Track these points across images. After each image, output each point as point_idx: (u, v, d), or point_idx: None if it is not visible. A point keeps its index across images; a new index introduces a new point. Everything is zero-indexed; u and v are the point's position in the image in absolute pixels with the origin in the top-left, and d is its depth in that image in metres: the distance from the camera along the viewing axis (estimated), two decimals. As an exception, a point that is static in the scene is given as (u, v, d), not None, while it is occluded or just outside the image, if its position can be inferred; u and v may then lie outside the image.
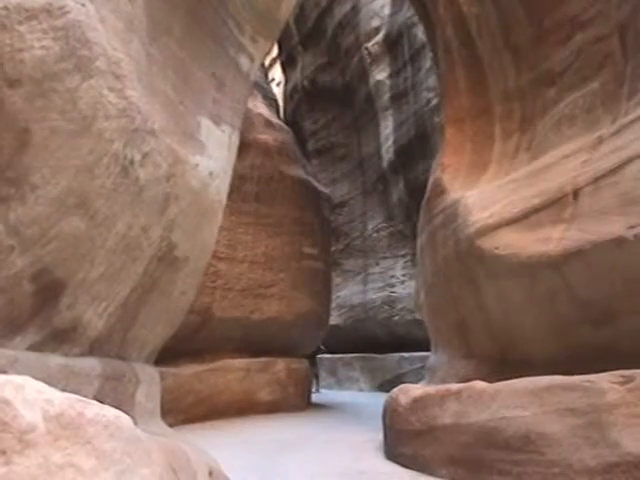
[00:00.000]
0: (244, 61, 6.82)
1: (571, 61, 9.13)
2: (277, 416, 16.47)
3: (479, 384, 7.80)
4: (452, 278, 9.83)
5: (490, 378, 7.91)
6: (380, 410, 17.57)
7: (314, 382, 23.62)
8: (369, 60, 26.56)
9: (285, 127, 20.62)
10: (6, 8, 3.55)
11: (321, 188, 21.03)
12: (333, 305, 23.09)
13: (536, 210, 7.95)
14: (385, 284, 26.04)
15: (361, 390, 25.52)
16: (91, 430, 3.41)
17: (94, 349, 5.51)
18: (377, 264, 26.92)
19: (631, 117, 7.31)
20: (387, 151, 25.70)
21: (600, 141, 7.70)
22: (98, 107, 4.20)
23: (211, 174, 6.05)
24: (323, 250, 20.42)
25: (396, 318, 24.86)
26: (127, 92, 4.41)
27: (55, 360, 4.88)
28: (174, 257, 5.99)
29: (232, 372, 16.82)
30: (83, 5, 3.92)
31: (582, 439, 6.11)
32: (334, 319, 25.08)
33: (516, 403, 6.94)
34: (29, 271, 4.34)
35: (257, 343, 17.64)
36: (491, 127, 10.82)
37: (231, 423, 14.77)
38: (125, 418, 3.78)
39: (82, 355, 5.36)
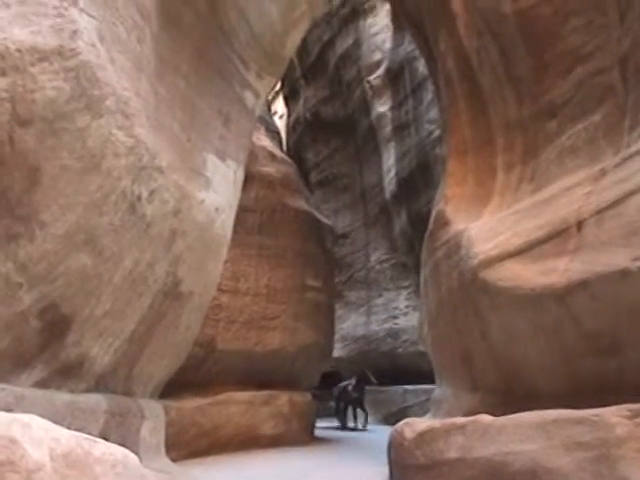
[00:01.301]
0: (249, 97, 6.89)
1: (572, 94, 9.16)
2: (280, 450, 16.26)
3: (485, 418, 7.71)
4: (456, 310, 9.78)
5: (495, 411, 7.81)
6: (385, 444, 17.50)
7: (358, 417, 23.01)
8: (371, 93, 26.70)
9: (288, 159, 20.65)
10: (19, 50, 3.61)
11: (324, 220, 21.00)
12: (336, 337, 22.90)
13: (540, 242, 7.92)
14: (388, 316, 25.91)
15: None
16: (98, 469, 3.40)
17: (100, 384, 5.50)
18: (380, 296, 26.81)
19: (633, 149, 7.31)
20: (389, 182, 25.74)
21: (603, 173, 7.69)
22: (107, 145, 4.25)
23: (217, 209, 6.09)
24: (326, 282, 20.33)
25: (400, 350, 24.69)
26: (135, 130, 4.45)
27: (61, 397, 4.88)
28: (179, 292, 6.00)
29: (235, 405, 16.67)
30: (93, 46, 3.98)
31: (590, 473, 6.00)
32: (337, 351, 24.86)
33: (523, 437, 6.84)
34: (36, 308, 4.35)
35: (260, 375, 17.50)
36: (493, 159, 10.83)
37: (234, 457, 14.60)
38: (132, 457, 3.77)
39: (88, 391, 5.36)
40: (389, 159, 26.06)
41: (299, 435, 18.09)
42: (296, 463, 13.74)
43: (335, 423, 23.65)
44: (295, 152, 30.64)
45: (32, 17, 3.71)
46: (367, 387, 22.92)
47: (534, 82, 10.02)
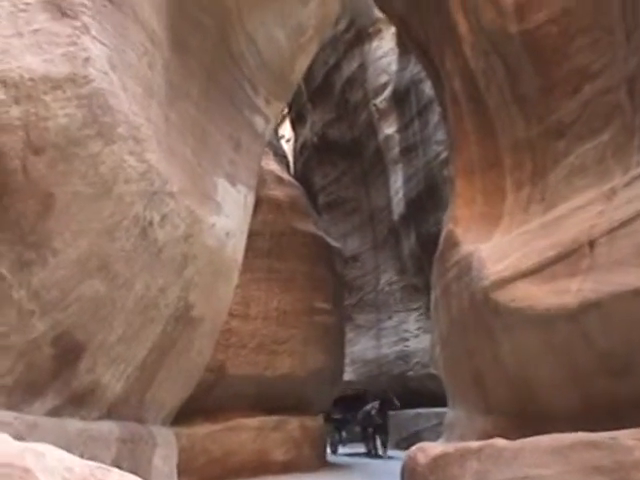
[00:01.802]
0: (259, 122, 6.93)
1: (580, 113, 9.15)
2: (292, 476, 16.16)
3: (500, 442, 7.61)
4: (467, 331, 9.74)
5: (509, 433, 7.74)
6: (397, 469, 17.32)
7: (376, 443, 22.15)
8: (377, 115, 26.88)
9: (296, 183, 20.72)
10: (32, 79, 3.63)
11: (333, 242, 21.01)
12: (346, 360, 22.79)
13: (551, 262, 7.89)
14: (399, 338, 25.86)
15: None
16: (113, 498, 3.36)
17: (112, 412, 5.48)
18: (390, 318, 26.78)
19: None
20: (397, 204, 25.83)
21: (613, 192, 7.67)
22: (119, 171, 4.26)
23: (227, 234, 6.09)
24: (336, 305, 20.30)
25: (411, 373, 24.61)
26: (147, 156, 4.47)
27: (73, 425, 4.85)
28: (191, 317, 5.99)
29: (245, 431, 16.59)
30: (106, 73, 4.00)
31: None
32: (347, 375, 24.70)
33: (539, 462, 6.74)
34: (49, 335, 4.34)
35: (271, 400, 17.42)
36: (502, 179, 10.82)
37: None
38: (147, 485, 3.74)
39: (100, 418, 5.33)
40: (397, 181, 26.14)
41: (311, 460, 17.98)
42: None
43: (361, 449, 22.96)
44: (302, 175, 30.73)
45: (45, 45, 3.74)
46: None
47: (541, 101, 10.03)
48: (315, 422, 19.09)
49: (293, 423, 17.93)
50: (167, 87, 5.06)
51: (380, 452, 21.56)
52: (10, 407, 4.21)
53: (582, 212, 7.99)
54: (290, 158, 30.26)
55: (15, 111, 3.61)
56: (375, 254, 28.66)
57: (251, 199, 6.89)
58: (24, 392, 4.37)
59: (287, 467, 17.03)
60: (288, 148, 34.50)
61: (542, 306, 7.51)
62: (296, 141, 35.07)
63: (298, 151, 34.08)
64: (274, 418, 17.47)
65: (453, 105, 12.34)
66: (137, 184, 4.43)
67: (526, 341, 7.99)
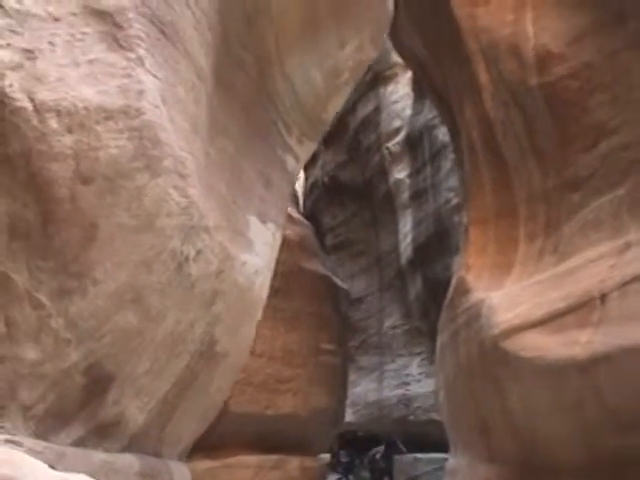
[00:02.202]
0: (290, 161, 6.99)
1: (596, 167, 9.23)
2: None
3: None
4: (474, 378, 9.73)
5: None
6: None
7: None
8: (389, 159, 27.06)
9: (305, 222, 20.79)
10: (86, 109, 3.67)
11: (340, 283, 21.03)
12: (347, 402, 22.67)
13: (562, 313, 7.93)
14: (401, 382, 25.77)
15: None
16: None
17: (133, 445, 5.44)
18: (393, 361, 26.72)
19: None
20: (405, 248, 25.90)
21: (627, 247, 7.72)
22: (162, 205, 4.28)
23: (257, 272, 6.11)
24: (340, 346, 20.26)
25: (411, 417, 24.48)
26: (189, 191, 4.49)
27: (97, 456, 4.82)
28: (214, 352, 5.98)
29: (244, 469, 16.45)
30: (157, 107, 4.04)
31: None
32: (348, 416, 24.48)
33: None
34: (82, 365, 4.33)
35: (271, 438, 17.30)
36: (515, 229, 10.88)
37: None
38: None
39: (121, 451, 5.30)
40: (406, 225, 26.22)
41: (308, 502, 17.78)
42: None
43: None
44: (311, 215, 30.83)
45: (100, 76, 3.79)
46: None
47: (558, 154, 10.11)
48: (315, 462, 18.94)
49: (293, 463, 17.80)
50: (209, 123, 5.11)
51: None
52: (38, 436, 4.18)
53: (595, 265, 8.03)
54: (300, 196, 30.38)
55: (67, 140, 3.64)
56: (380, 297, 28.67)
57: (279, 237, 6.94)
58: (53, 421, 4.35)
59: (285, 507, 16.88)
60: (298, 186, 34.69)
61: (551, 356, 7.53)
62: (306, 180, 35.24)
63: (308, 190, 34.24)
64: (273, 457, 17.34)
65: (470, 154, 12.43)
66: (178, 218, 4.46)
67: (535, 392, 7.99)
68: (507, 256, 10.77)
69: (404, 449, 22.12)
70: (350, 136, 30.01)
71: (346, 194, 30.58)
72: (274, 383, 17.35)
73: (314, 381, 18.55)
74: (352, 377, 25.80)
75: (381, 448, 21.84)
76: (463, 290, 11.08)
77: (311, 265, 18.97)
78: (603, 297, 7.39)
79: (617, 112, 9.06)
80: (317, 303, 18.95)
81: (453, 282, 12.18)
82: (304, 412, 18.05)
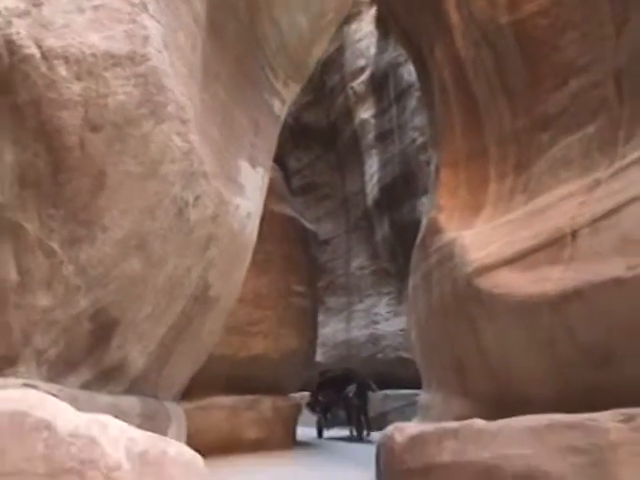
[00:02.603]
0: (277, 104, 6.99)
1: (566, 106, 9.22)
2: (263, 455, 16.26)
3: (478, 422, 7.72)
4: (448, 317, 9.81)
5: (487, 417, 7.81)
6: (365, 448, 17.48)
7: (360, 425, 21.37)
8: (354, 99, 26.81)
9: (274, 165, 20.71)
10: (94, 55, 3.66)
11: (308, 226, 21.11)
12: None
13: (533, 250, 7.96)
14: (369, 321, 26.02)
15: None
16: (172, 469, 3.47)
17: (133, 387, 5.54)
18: (361, 301, 26.92)
19: (628, 160, 7.36)
20: (372, 189, 25.86)
21: (597, 184, 7.77)
22: (166, 151, 4.31)
23: (248, 215, 6.16)
24: (310, 288, 20.43)
25: (380, 356, 24.80)
26: (190, 136, 4.52)
27: (103, 398, 4.92)
28: (208, 297, 6.05)
29: (219, 410, 16.67)
30: (160, 52, 4.04)
31: (586, 478, 6.00)
32: (317, 357, 24.69)
33: (517, 441, 6.84)
34: (90, 311, 4.40)
35: (244, 380, 17.51)
36: (486, 170, 10.89)
37: (218, 462, 14.53)
38: (199, 458, 3.85)
39: (123, 394, 5.40)
40: (372, 166, 26.14)
41: (281, 440, 18.14)
42: (281, 468, 13.77)
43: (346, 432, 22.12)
44: (277, 157, 30.53)
45: (106, 22, 3.77)
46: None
47: (529, 94, 10.11)
48: (287, 402, 19.24)
49: (266, 403, 18.06)
50: (203, 69, 5.10)
51: (365, 435, 21.08)
52: (50, 380, 4.26)
53: (565, 202, 8.09)
54: (264, 140, 30.13)
55: (76, 87, 3.64)
56: (347, 238, 28.74)
57: (267, 180, 6.99)
58: (63, 366, 4.43)
59: (258, 446, 17.11)
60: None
61: (523, 293, 7.59)
62: (270, 123, 34.94)
63: (273, 133, 33.96)
64: (247, 398, 17.57)
65: (441, 95, 12.37)
66: (180, 164, 4.49)
67: (508, 329, 8.08)
68: (478, 197, 10.80)
69: (376, 388, 22.21)
70: (314, 77, 29.66)
71: (311, 136, 30.31)
72: (245, 325, 17.49)
73: (284, 323, 18.74)
74: (320, 318, 25.98)
75: (353, 387, 21.84)
76: (435, 230, 11.11)
77: (280, 208, 19.01)
78: (574, 234, 7.42)
79: (587, 50, 9.03)
80: (287, 246, 19.06)
81: (424, 223, 12.20)
82: (275, 354, 18.27)
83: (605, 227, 6.95)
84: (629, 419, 5.98)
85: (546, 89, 9.72)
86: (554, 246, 7.66)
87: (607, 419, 6.09)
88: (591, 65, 8.87)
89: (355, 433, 21.45)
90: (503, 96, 10.76)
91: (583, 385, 6.91)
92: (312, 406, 22.03)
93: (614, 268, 6.44)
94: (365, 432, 21.24)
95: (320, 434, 22.05)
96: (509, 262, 8.26)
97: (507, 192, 10.07)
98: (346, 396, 21.69)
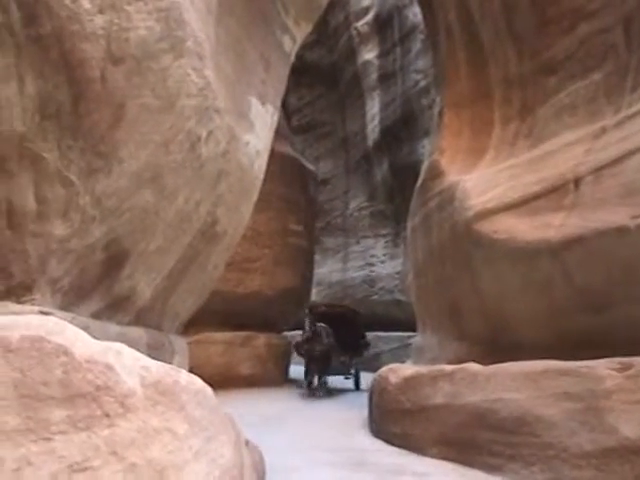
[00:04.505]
0: (287, 42, 6.96)
1: (574, 51, 9.15)
2: (256, 390, 16.52)
3: (473, 366, 7.87)
4: (446, 261, 9.89)
5: (482, 360, 7.98)
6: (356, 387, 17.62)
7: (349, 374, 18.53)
8: (358, 40, 26.58)
9: (275, 102, 20.60)
10: (116, -12, 3.67)
11: (308, 165, 21.12)
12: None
13: (536, 196, 7.99)
14: (365, 263, 26.25)
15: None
16: (185, 397, 3.58)
17: (139, 318, 5.67)
18: (358, 243, 27.12)
19: (635, 109, 7.37)
20: (372, 131, 25.83)
21: (603, 131, 7.76)
22: (183, 85, 4.34)
23: (257, 152, 6.21)
24: (307, 227, 20.57)
25: (375, 297, 25.07)
26: (206, 72, 4.55)
27: (113, 328, 5.04)
28: (215, 232, 6.14)
29: (214, 345, 16.94)
30: (181, -13, 4.05)
31: (579, 423, 6.18)
32: (312, 296, 25.01)
33: (511, 386, 7.00)
34: (103, 241, 4.48)
35: (239, 316, 17.71)
36: (490, 113, 10.86)
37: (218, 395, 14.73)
38: (208, 387, 3.97)
39: (130, 324, 5.52)
40: (373, 107, 26.06)
41: (274, 376, 18.45)
42: (274, 403, 14.05)
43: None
44: (277, 96, 30.36)
45: (128, -45, 3.76)
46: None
47: (536, 38, 10.03)
48: (280, 340, 19.50)
49: (260, 340, 18.32)
50: (217, 3, 5.09)
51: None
52: (62, 308, 4.36)
53: (570, 149, 8.09)
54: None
55: (99, 20, 3.65)
56: (346, 179, 28.79)
57: (276, 119, 7.00)
58: (75, 295, 4.53)
59: (251, 381, 17.43)
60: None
61: (524, 239, 7.65)
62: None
63: (274, 70, 33.63)
64: (242, 334, 17.82)
65: (446, 36, 12.27)
66: (195, 99, 4.53)
67: (506, 273, 8.16)
68: (481, 140, 10.78)
69: (368, 342, 19.94)
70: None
71: (313, 75, 30.11)
72: (243, 262, 17.63)
73: (281, 261, 18.90)
74: (317, 257, 26.23)
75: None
76: (436, 173, 11.12)
77: (280, 147, 18.93)
78: (577, 181, 7.46)
79: (596, -5, 8.96)
80: (286, 185, 19.09)
81: (425, 165, 12.20)
82: (270, 291, 18.46)
83: (609, 175, 6.99)
84: (624, 367, 6.13)
85: (554, 33, 9.63)
86: (557, 193, 7.69)
87: (603, 367, 6.24)
88: (600, 10, 8.78)
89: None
90: (509, 39, 10.67)
91: (577, 329, 7.04)
92: (298, 348, 18.03)
93: (617, 217, 6.51)
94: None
95: (310, 387, 17.16)
96: (510, 207, 8.29)
97: (511, 136, 10.06)
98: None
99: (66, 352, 3.01)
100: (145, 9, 3.80)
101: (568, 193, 7.56)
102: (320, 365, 16.96)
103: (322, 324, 17.37)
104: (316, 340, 16.72)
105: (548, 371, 6.73)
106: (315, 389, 16.67)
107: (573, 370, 6.47)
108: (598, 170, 7.21)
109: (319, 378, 17.08)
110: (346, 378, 18.57)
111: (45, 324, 3.20)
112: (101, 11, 3.64)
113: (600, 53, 8.65)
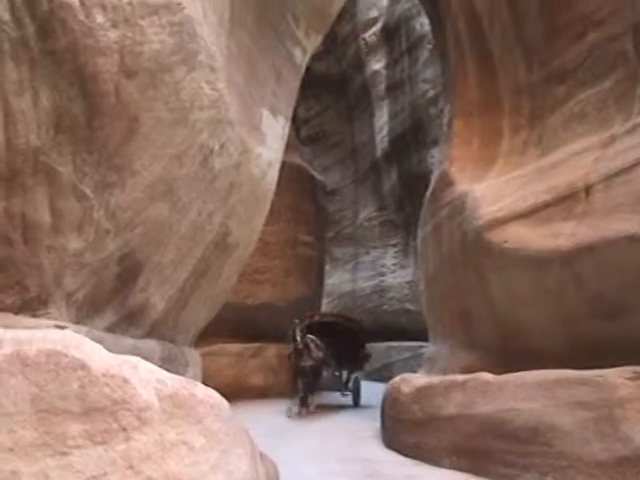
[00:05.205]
0: (298, 54, 6.98)
1: (583, 59, 9.12)
2: (268, 401, 16.50)
3: (485, 375, 7.84)
4: (457, 269, 9.86)
5: (494, 369, 7.96)
6: (368, 398, 17.44)
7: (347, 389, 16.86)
8: (365, 50, 26.63)
9: (284, 114, 20.65)
10: (130, 4, 3.68)
11: (317, 175, 21.12)
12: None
13: (546, 205, 7.97)
14: (375, 273, 26.18)
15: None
16: (202, 410, 3.57)
17: (153, 331, 5.67)
18: (367, 253, 27.06)
19: None
20: (381, 141, 25.82)
21: (612, 139, 7.74)
22: (195, 98, 4.36)
23: (269, 164, 6.23)
24: (317, 238, 20.54)
25: (385, 307, 24.98)
26: (218, 84, 4.57)
27: (127, 341, 5.04)
28: (227, 243, 6.15)
29: (225, 356, 16.91)
30: (194, 1, 4.07)
31: (593, 433, 6.13)
32: (323, 306, 24.92)
33: (525, 395, 6.96)
34: (117, 254, 4.49)
35: (250, 328, 17.70)
36: (499, 122, 10.85)
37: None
38: (224, 401, 3.96)
39: (144, 337, 5.52)
40: (382, 117, 26.06)
41: (285, 387, 18.30)
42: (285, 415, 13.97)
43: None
44: (286, 107, 30.40)
45: (142, -29, 3.78)
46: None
47: (545, 46, 10.01)
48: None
49: (271, 350, 18.27)
50: (230, 16, 5.11)
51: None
52: (77, 322, 4.37)
53: (580, 158, 8.07)
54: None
55: (113, 34, 3.67)
56: (355, 189, 28.77)
57: (287, 130, 7.01)
58: (89, 308, 4.54)
59: (263, 392, 17.40)
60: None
61: (535, 248, 7.63)
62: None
63: (282, 81, 33.72)
64: (253, 345, 17.78)
65: (455, 45, 12.27)
66: (208, 112, 4.55)
67: (517, 282, 8.12)
68: (491, 149, 10.76)
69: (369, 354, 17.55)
70: (325, 27, 29.38)
71: (322, 86, 30.07)
72: (253, 274, 17.62)
73: (291, 272, 18.88)
74: (327, 268, 26.15)
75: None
76: (446, 182, 11.10)
77: (289, 157, 18.92)
78: (587, 189, 7.44)
79: (605, 3, 8.91)
80: (295, 195, 19.08)
81: (435, 175, 12.18)
82: (281, 302, 18.44)
83: (619, 184, 6.96)
84: (638, 377, 6.09)
85: (563, 42, 9.60)
86: (567, 201, 7.66)
87: (616, 375, 6.20)
88: (609, 18, 8.75)
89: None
90: (518, 48, 10.66)
91: (590, 337, 7.00)
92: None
93: (628, 225, 6.48)
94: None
95: (304, 404, 14.91)
96: (521, 216, 8.27)
97: (520, 145, 10.04)
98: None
99: (83, 366, 3.00)
100: (158, 23, 3.82)
101: (579, 202, 7.54)
102: (310, 380, 15.08)
103: (311, 336, 15.59)
104: (305, 353, 14.95)
105: (561, 380, 6.70)
106: (302, 407, 14.66)
107: (587, 379, 6.44)
108: (608, 178, 7.19)
109: (305, 395, 14.96)
110: (343, 395, 16.75)
111: (62, 338, 3.20)
112: (115, 25, 3.65)
113: (609, 61, 8.61)
